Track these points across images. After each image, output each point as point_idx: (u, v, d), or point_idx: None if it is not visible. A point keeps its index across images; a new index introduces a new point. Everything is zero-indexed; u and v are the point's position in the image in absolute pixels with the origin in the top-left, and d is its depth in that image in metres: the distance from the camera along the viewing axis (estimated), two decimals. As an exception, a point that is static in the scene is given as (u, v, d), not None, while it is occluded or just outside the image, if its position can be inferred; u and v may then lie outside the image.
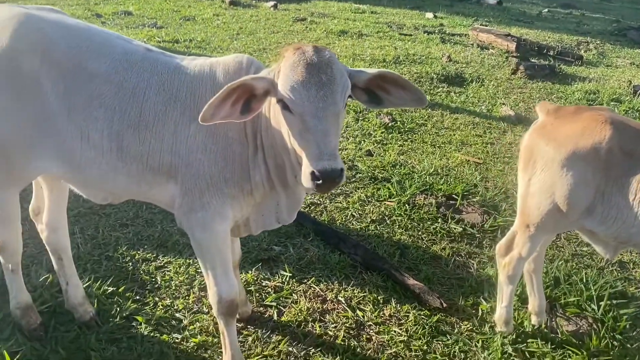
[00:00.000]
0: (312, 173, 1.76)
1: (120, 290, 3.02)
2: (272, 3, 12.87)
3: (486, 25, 12.58)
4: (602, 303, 3.13)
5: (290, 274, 3.29)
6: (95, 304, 2.86)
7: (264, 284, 3.21)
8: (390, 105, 2.08)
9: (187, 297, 3.04)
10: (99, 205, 2.55)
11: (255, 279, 3.24)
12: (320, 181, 1.75)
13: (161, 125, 2.13)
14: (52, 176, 2.34)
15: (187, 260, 3.35)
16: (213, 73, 2.18)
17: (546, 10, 18.90)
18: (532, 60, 9.30)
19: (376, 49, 9.17)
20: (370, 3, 15.08)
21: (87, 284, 3.01)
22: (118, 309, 2.88)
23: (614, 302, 3.19)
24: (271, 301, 3.06)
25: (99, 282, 3.06)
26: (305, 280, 3.27)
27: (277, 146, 2.08)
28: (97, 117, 2.11)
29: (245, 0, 13.37)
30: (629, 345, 2.91)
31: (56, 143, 2.15)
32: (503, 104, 7.05)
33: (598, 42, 12.50)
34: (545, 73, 8.51)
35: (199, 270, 3.26)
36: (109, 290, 3.00)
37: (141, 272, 3.23)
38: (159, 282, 3.15)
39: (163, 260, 3.35)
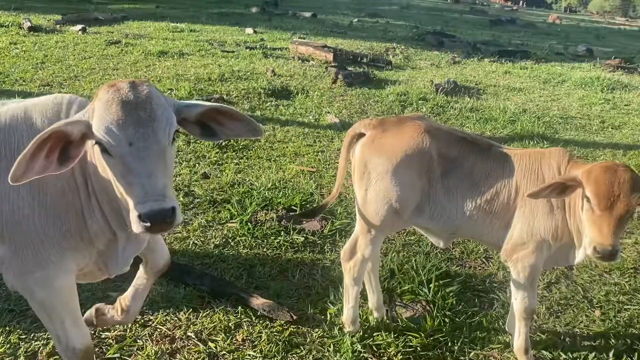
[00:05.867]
0: (139, 216, 1.68)
1: None
2: (79, 27, 11.91)
3: (304, 38, 13.25)
4: (431, 285, 3.48)
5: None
6: None
7: (103, 337, 2.94)
8: (225, 137, 2.06)
9: (11, 372, 2.66)
10: None
11: (93, 332, 2.96)
12: (149, 224, 1.67)
13: None
14: None
15: (7, 328, 2.93)
16: (29, 118, 1.98)
17: (356, 20, 20.61)
18: (349, 69, 10.01)
19: (200, 68, 9.06)
20: (188, 21, 14.86)
21: None
22: None
23: (441, 282, 3.55)
24: (114, 354, 2.82)
25: None
26: (150, 323, 3.08)
27: (109, 190, 1.94)
28: None
29: (47, 25, 12.21)
30: (457, 320, 3.26)
31: None
32: (328, 112, 7.45)
33: (403, 47, 13.95)
34: (361, 80, 9.25)
35: (23, 337, 2.88)
36: None
37: (-53, 354, 2.75)
38: (-28, 362, 2.71)
39: (-25, 334, 2.88)
